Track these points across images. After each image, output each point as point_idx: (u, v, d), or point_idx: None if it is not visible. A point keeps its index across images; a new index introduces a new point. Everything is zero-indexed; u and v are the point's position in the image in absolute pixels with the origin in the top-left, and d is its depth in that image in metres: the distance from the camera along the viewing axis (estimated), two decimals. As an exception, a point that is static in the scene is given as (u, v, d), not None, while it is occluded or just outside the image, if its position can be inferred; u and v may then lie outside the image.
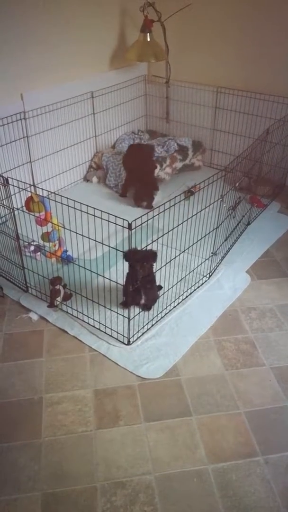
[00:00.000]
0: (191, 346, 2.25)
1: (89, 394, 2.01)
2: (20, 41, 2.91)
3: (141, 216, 1.89)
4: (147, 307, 2.35)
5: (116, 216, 1.85)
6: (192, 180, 3.75)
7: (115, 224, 1.86)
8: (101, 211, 1.91)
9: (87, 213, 1.96)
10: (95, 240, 2.07)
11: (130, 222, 1.83)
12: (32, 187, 2.09)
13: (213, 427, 1.88)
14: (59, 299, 2.42)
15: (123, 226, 1.86)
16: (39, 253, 2.72)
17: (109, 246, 2.08)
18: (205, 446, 1.81)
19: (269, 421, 1.91)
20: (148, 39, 3.46)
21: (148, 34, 3.44)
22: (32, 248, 2.76)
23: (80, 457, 1.77)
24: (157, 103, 4.09)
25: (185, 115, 3.97)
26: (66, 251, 2.73)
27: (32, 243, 2.76)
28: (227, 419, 1.91)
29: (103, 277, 2.24)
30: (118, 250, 2.03)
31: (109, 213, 1.88)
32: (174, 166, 3.69)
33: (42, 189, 2.19)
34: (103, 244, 2.11)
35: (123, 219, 1.85)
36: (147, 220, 1.93)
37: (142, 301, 2.29)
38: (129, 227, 1.83)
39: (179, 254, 2.44)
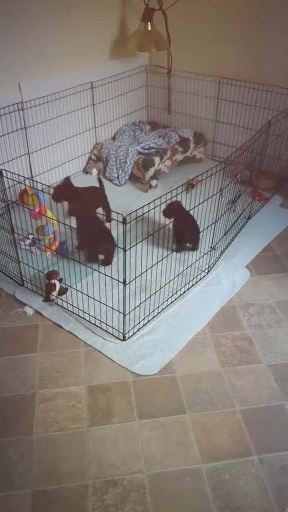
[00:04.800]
0: (187, 342, 2.21)
1: (83, 390, 1.98)
2: (17, 30, 2.85)
3: (136, 210, 1.85)
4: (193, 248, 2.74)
5: (111, 211, 1.81)
6: (193, 173, 3.69)
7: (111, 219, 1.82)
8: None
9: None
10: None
11: (124, 216, 1.79)
12: (27, 180, 2.05)
13: (208, 425, 1.85)
14: (54, 293, 2.39)
15: (117, 221, 1.82)
16: (34, 246, 2.68)
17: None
18: (199, 445, 1.78)
19: (265, 420, 1.88)
20: (149, 28, 3.38)
21: (149, 23, 3.36)
22: (28, 241, 2.72)
23: (72, 455, 1.75)
24: (159, 94, 4.02)
25: (187, 106, 3.90)
26: (63, 243, 2.69)
27: (29, 236, 2.73)
28: (222, 417, 1.88)
29: (99, 272, 2.21)
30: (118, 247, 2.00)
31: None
32: (175, 158, 3.64)
33: (36, 181, 2.15)
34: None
35: (118, 213, 1.81)
36: (143, 214, 1.88)
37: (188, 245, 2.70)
38: (124, 221, 1.79)
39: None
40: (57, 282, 2.39)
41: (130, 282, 2.01)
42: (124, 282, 1.97)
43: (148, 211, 1.91)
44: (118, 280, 2.00)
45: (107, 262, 2.58)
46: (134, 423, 1.85)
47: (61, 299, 2.39)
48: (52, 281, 2.38)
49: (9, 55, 2.87)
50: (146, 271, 2.17)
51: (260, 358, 2.14)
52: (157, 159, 3.46)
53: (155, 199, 1.96)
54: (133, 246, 1.94)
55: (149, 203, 1.92)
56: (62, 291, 2.42)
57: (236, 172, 2.52)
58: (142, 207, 1.89)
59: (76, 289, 2.35)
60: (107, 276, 2.11)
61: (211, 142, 3.90)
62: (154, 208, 1.94)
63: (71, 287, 2.38)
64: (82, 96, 3.44)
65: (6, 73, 2.89)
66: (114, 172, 3.56)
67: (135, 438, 1.80)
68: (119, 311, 2.14)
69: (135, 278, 2.11)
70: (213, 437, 1.81)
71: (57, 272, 2.44)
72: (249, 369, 2.09)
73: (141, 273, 2.15)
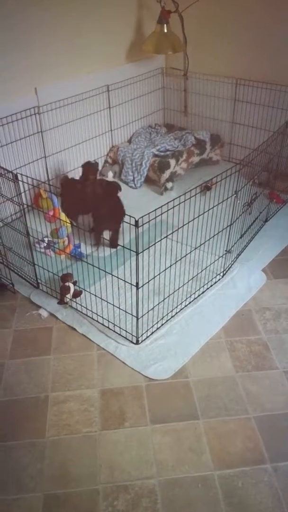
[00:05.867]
0: (201, 346, 2.19)
1: (95, 393, 1.98)
2: (33, 35, 2.88)
3: (148, 213, 1.83)
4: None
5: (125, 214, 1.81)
6: (209, 175, 3.65)
7: (122, 221, 1.82)
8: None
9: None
10: (104, 238, 2.03)
11: (137, 219, 1.78)
12: (42, 183, 2.06)
13: (221, 432, 1.82)
14: (69, 296, 2.39)
15: (130, 224, 1.81)
16: (49, 249, 2.70)
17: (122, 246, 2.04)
18: (212, 451, 1.75)
19: (280, 428, 1.84)
20: (165, 31, 3.37)
21: (165, 25, 3.35)
22: (43, 244, 2.74)
23: (84, 458, 1.74)
24: (175, 96, 4.00)
25: (204, 108, 3.87)
26: (78, 246, 2.70)
27: (44, 239, 2.75)
28: (235, 424, 1.85)
29: (112, 275, 2.20)
30: (127, 248, 1.99)
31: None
32: (191, 160, 3.61)
33: (50, 185, 2.16)
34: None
35: (130, 216, 1.80)
36: (155, 217, 1.87)
37: None
38: (136, 224, 1.78)
39: (190, 252, 2.38)
40: (71, 285, 2.40)
41: (143, 285, 2.00)
42: (137, 286, 1.96)
43: (161, 213, 1.89)
44: (131, 284, 1.99)
45: (113, 243, 2.59)
46: (147, 428, 1.84)
47: (75, 302, 2.40)
48: (67, 283, 2.39)
49: (26, 59, 2.90)
50: (159, 274, 2.15)
51: (276, 364, 2.10)
52: (172, 162, 3.45)
53: (168, 202, 1.95)
54: (146, 249, 1.93)
55: (162, 206, 1.91)
56: (76, 294, 2.43)
57: (253, 173, 2.48)
58: (155, 210, 1.87)
59: (90, 292, 2.35)
60: (120, 279, 2.10)
61: (227, 144, 3.86)
62: (167, 211, 1.93)
63: (84, 290, 2.38)
64: (98, 100, 3.45)
65: (23, 77, 2.92)
66: (130, 175, 3.56)
67: (147, 443, 1.79)
68: (132, 315, 2.13)
69: (148, 282, 2.10)
70: (226, 443, 1.78)
71: (71, 274, 2.45)
72: (264, 375, 2.05)
73: (154, 277, 2.14)
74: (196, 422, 1.86)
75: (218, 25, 3.50)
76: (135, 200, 3.33)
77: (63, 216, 2.22)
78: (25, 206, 2.20)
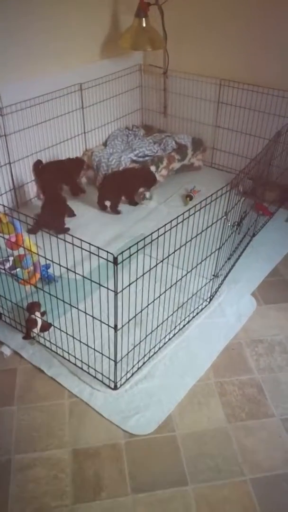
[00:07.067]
0: (188, 390, 1.93)
1: (67, 455, 1.69)
2: (-5, 26, 2.53)
3: (129, 248, 1.55)
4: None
5: (99, 248, 1.52)
6: (191, 183, 3.40)
7: (98, 256, 1.52)
8: (81, 240, 1.57)
9: (65, 240, 1.62)
10: (73, 270, 1.73)
11: (115, 256, 1.49)
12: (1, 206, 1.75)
13: (213, 500, 1.57)
14: (35, 330, 2.09)
15: (107, 260, 1.52)
16: (15, 270, 2.37)
17: (92, 280, 1.74)
18: (204, 528, 1.50)
19: (280, 492, 1.60)
20: (144, 25, 3.07)
21: (143, 19, 3.05)
22: (8, 264, 2.42)
23: None
24: (154, 96, 3.71)
25: (185, 110, 3.59)
26: (48, 266, 2.39)
27: (9, 258, 2.42)
28: (229, 489, 1.61)
29: (85, 313, 1.91)
30: (103, 286, 1.69)
31: (90, 244, 1.54)
32: (171, 167, 3.34)
33: (11, 209, 1.84)
34: (84, 278, 1.78)
35: (108, 251, 1.51)
36: (137, 251, 1.59)
37: None
38: (115, 262, 1.49)
39: (178, 280, 2.10)
40: (38, 318, 2.09)
41: (122, 327, 1.72)
42: (115, 328, 1.68)
43: (144, 246, 1.61)
44: (108, 325, 1.71)
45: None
46: (127, 499, 1.57)
47: (43, 337, 2.09)
48: (32, 316, 2.08)
49: (-14, 54, 2.54)
50: (141, 311, 1.87)
51: (272, 411, 1.87)
52: (152, 169, 3.16)
53: (152, 232, 1.66)
54: (126, 288, 1.65)
55: (145, 237, 1.63)
56: (45, 327, 2.12)
57: (237, 181, 2.22)
58: (137, 243, 1.59)
59: (60, 329, 2.04)
60: (96, 318, 1.80)
61: (210, 148, 3.60)
62: (151, 242, 1.65)
63: (54, 326, 2.08)
64: (70, 99, 3.12)
65: (-17, 75, 2.57)
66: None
67: (128, 519, 1.52)
68: (109, 358, 1.85)
69: (128, 322, 1.81)
70: (220, 516, 1.53)
71: (38, 304, 2.14)
72: (259, 424, 1.81)
73: (135, 315, 1.86)
74: (185, 489, 1.60)
75: (202, 20, 3.21)
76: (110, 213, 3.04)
77: (27, 242, 1.91)
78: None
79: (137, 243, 1.57)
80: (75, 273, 1.70)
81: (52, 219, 2.71)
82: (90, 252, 1.55)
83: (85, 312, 1.80)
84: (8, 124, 2.77)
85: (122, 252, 1.51)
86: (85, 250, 1.56)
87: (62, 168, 3.05)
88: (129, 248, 1.54)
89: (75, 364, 1.99)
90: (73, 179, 3.15)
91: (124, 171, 3.10)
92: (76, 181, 3.18)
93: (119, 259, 1.50)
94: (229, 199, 2.02)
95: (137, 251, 1.58)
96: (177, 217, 1.72)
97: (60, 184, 3.11)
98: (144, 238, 1.60)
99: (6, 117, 2.74)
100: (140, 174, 3.05)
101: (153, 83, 3.64)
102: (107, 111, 3.48)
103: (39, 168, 2.99)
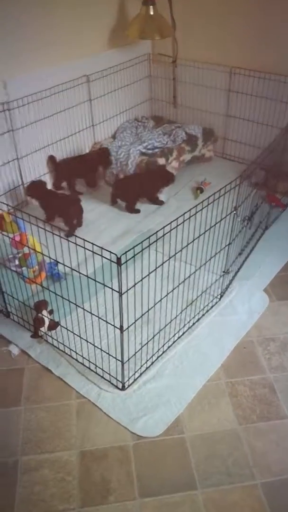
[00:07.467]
0: (198, 390, 1.88)
1: (74, 457, 1.67)
2: (-2, 19, 2.48)
3: (134, 247, 1.50)
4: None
5: (102, 248, 1.47)
6: (202, 175, 3.33)
7: (101, 256, 1.48)
8: (84, 240, 1.53)
9: (68, 240, 1.58)
10: (76, 269, 1.70)
11: (119, 257, 1.44)
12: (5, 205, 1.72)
13: (223, 505, 1.54)
14: (43, 329, 2.07)
15: (110, 260, 1.48)
16: (21, 269, 2.34)
17: (96, 280, 1.70)
18: (213, 533, 1.47)
19: (292, 497, 1.56)
20: (152, 13, 2.98)
21: (151, 7, 2.96)
22: (17, 261, 2.39)
23: None
24: (163, 86, 3.62)
25: (195, 99, 3.50)
26: (55, 264, 2.36)
27: (17, 255, 2.40)
28: (240, 494, 1.57)
29: (91, 313, 1.87)
30: (107, 287, 1.65)
31: (93, 244, 1.50)
32: (182, 159, 3.26)
33: (15, 208, 1.81)
34: (88, 278, 1.74)
35: (111, 252, 1.47)
36: (141, 251, 1.54)
37: None
38: (118, 262, 1.45)
39: (184, 281, 2.05)
40: (46, 315, 2.07)
41: (129, 327, 1.69)
42: (121, 329, 1.64)
43: (149, 245, 1.56)
44: (114, 326, 1.67)
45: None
46: (135, 503, 1.54)
47: (51, 336, 2.07)
48: (40, 315, 2.06)
49: (-10, 48, 2.50)
50: (148, 311, 1.83)
51: (284, 412, 1.81)
52: (161, 161, 3.10)
53: (157, 231, 1.61)
54: (131, 288, 1.60)
55: (150, 236, 1.58)
56: (52, 326, 2.10)
57: (248, 171, 2.14)
58: (141, 242, 1.54)
59: (66, 328, 2.01)
60: (101, 319, 1.77)
61: (221, 139, 3.51)
62: (156, 241, 1.60)
63: (61, 325, 2.05)
64: (77, 92, 3.06)
65: (-13, 69, 2.53)
66: (114, 175, 3.20)
67: (136, 524, 1.49)
68: (116, 358, 1.81)
69: (135, 322, 1.77)
70: (229, 521, 1.50)
71: (46, 302, 2.12)
72: (271, 426, 1.76)
73: (142, 315, 1.81)
74: (193, 493, 1.56)
75: (211, 5, 3.10)
76: (120, 207, 2.99)
77: (31, 242, 1.87)
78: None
79: (141, 242, 1.52)
80: (79, 273, 1.66)
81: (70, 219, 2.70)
82: (93, 252, 1.50)
83: (90, 312, 1.77)
84: (15, 119, 2.73)
85: (126, 252, 1.46)
86: (88, 250, 1.52)
87: (84, 161, 3.06)
88: (133, 247, 1.49)
89: (82, 364, 1.97)
90: (95, 172, 3.13)
91: (140, 175, 3.05)
92: (96, 172, 3.14)
93: (123, 259, 1.45)
94: (239, 193, 1.95)
95: (141, 251, 1.53)
96: (183, 214, 1.66)
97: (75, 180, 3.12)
98: (149, 237, 1.55)
99: (13, 112, 2.70)
100: (158, 175, 3.00)
101: (162, 72, 3.56)
102: (115, 103, 3.41)
103: (57, 163, 3.03)
